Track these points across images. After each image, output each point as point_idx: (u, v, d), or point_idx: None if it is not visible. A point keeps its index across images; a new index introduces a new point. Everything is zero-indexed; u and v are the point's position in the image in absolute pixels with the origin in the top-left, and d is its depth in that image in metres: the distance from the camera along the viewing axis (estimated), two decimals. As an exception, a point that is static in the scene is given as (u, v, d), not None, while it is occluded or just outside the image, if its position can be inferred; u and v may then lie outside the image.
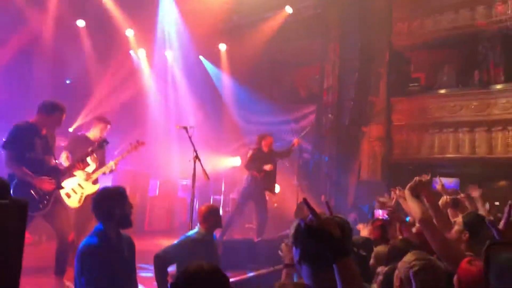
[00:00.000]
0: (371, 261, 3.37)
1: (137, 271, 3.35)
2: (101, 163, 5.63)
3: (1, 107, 7.70)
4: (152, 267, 4.31)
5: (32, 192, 4.29)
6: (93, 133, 5.78)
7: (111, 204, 3.03)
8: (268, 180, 7.70)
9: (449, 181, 10.64)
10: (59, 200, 4.63)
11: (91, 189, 5.37)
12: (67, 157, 5.31)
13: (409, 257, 2.23)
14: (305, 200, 1.70)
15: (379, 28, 10.53)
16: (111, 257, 2.95)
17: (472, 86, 10.23)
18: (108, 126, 5.86)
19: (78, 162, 4.80)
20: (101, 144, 5.06)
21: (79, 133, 6.08)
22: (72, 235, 4.58)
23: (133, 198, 8.83)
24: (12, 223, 1.96)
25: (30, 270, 4.83)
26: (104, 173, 5.67)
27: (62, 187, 4.68)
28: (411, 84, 11.05)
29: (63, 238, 4.48)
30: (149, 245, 6.30)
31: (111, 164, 5.62)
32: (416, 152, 10.52)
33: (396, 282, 2.22)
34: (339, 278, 1.56)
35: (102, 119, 5.88)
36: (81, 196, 5.31)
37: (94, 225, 3.12)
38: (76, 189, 5.31)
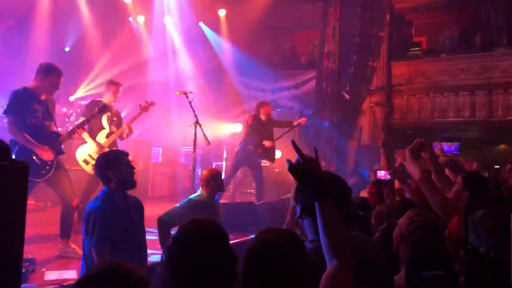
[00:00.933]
0: (372, 220, 3.43)
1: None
2: (118, 127, 5.67)
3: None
4: (156, 231, 4.41)
5: (34, 158, 4.32)
6: (107, 98, 5.75)
7: (105, 167, 3.08)
8: (268, 152, 7.62)
9: (450, 145, 10.71)
10: (61, 165, 4.67)
11: None
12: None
13: (409, 213, 2.27)
14: (293, 142, 1.75)
15: (379, -11, 10.35)
16: (117, 218, 3.01)
17: (474, 49, 10.13)
18: (121, 89, 5.81)
19: (78, 128, 4.82)
20: (101, 109, 5.05)
21: (95, 99, 6.09)
22: (77, 200, 4.65)
23: (136, 165, 8.85)
24: (13, 184, 2.00)
25: (36, 235, 4.94)
26: (121, 138, 5.73)
27: (63, 153, 4.71)
28: (412, 49, 10.94)
29: (67, 203, 4.55)
30: (153, 210, 6.38)
31: (124, 127, 5.65)
32: (417, 116, 10.52)
33: (396, 238, 2.27)
34: (319, 216, 1.61)
35: (112, 82, 5.83)
36: None
37: None
38: (93, 155, 5.36)
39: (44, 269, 3.99)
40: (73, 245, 4.48)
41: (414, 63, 10.60)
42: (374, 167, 4.74)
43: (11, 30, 8.34)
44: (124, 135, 5.72)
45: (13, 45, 8.33)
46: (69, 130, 4.91)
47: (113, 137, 5.59)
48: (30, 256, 3.90)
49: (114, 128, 5.66)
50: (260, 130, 7.46)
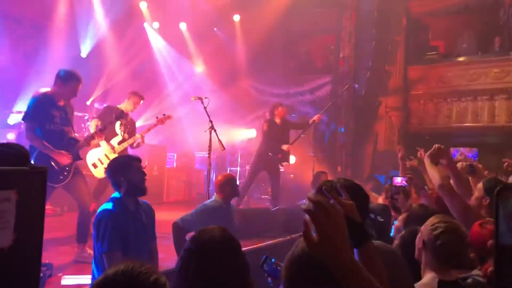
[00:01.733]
0: (398, 224, 3.37)
1: (157, 239, 3.38)
2: (130, 135, 5.79)
3: (18, 82, 7.81)
4: (171, 236, 4.40)
5: (52, 164, 4.34)
6: (125, 106, 5.93)
7: (116, 173, 3.08)
8: (285, 155, 7.56)
9: (468, 151, 10.53)
10: (79, 171, 4.70)
11: None
12: (96, 125, 5.44)
13: (432, 220, 2.23)
14: (321, 189, 1.64)
15: (396, -6, 10.28)
16: (127, 223, 3.00)
17: (493, 53, 9.98)
18: (141, 101, 6.04)
19: (97, 133, 4.84)
20: (119, 116, 5.08)
21: (112, 105, 6.21)
22: (94, 205, 4.66)
23: (151, 170, 8.95)
24: (33, 189, 2.00)
25: (53, 239, 4.98)
26: (132, 147, 5.84)
27: (81, 159, 4.74)
28: (429, 53, 10.83)
29: (84, 208, 4.57)
30: (168, 215, 6.39)
31: (137, 136, 5.78)
32: (434, 121, 10.38)
33: (418, 244, 2.23)
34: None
35: (136, 94, 6.01)
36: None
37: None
38: (102, 160, 5.48)
39: (61, 274, 4.00)
40: (89, 250, 4.48)
41: (431, 68, 10.48)
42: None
43: (28, 37, 8.44)
44: (135, 144, 5.82)
45: (30, 52, 8.43)
46: (87, 136, 4.93)
47: (124, 144, 5.70)
48: (47, 261, 3.91)
49: (126, 136, 5.77)
50: (276, 135, 7.40)
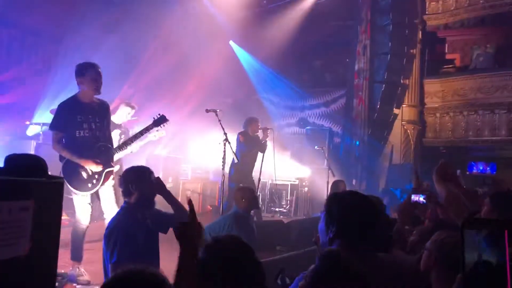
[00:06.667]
0: (415, 238, 3.33)
1: (175, 251, 3.33)
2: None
3: (36, 93, 7.95)
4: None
5: (81, 172, 4.18)
6: (118, 116, 6.07)
7: (129, 182, 3.06)
8: None
9: (485, 165, 10.38)
10: (108, 181, 4.36)
11: None
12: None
13: (439, 235, 2.20)
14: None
15: (411, 7, 10.27)
16: (136, 231, 2.97)
17: (510, 66, 9.87)
18: (133, 111, 6.19)
19: (131, 141, 4.60)
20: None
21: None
22: None
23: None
24: (50, 200, 2.02)
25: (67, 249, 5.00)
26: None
27: (112, 166, 4.40)
28: (445, 66, 10.77)
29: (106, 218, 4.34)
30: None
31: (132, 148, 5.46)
32: (450, 135, 10.28)
33: (429, 262, 2.20)
34: None
35: (128, 104, 6.22)
36: None
37: None
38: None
39: (75, 284, 4.03)
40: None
41: (448, 81, 10.41)
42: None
43: (46, 49, 8.60)
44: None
45: (48, 63, 8.57)
46: (120, 144, 4.75)
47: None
48: (62, 271, 3.95)
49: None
50: None
